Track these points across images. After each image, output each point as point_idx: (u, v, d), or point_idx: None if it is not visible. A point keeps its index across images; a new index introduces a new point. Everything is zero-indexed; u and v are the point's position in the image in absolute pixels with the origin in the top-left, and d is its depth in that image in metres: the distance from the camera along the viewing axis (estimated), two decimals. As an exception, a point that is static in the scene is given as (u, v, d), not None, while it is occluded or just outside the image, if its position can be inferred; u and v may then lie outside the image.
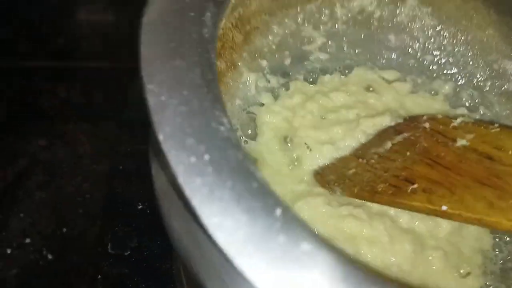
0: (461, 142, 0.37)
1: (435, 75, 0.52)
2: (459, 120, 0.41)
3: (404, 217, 0.41)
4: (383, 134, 0.43)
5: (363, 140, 0.44)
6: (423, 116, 0.44)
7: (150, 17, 0.27)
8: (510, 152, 0.33)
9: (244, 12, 0.46)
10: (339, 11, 0.51)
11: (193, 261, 0.25)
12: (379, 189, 0.37)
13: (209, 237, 0.20)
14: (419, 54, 0.52)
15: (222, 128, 0.23)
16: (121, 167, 0.56)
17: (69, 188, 0.55)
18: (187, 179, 0.21)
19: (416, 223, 0.41)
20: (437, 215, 0.35)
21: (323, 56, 0.52)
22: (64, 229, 0.51)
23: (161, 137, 0.22)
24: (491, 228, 0.33)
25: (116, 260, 0.49)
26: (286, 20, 0.50)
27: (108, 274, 0.45)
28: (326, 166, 0.43)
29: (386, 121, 0.45)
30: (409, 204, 0.35)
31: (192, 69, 0.25)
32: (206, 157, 0.22)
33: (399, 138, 0.41)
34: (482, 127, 0.38)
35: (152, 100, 0.23)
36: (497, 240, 0.44)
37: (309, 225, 0.21)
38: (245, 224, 0.20)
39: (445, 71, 0.51)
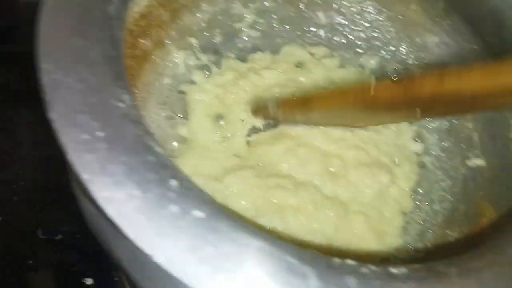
0: None
1: (362, 50, 0.54)
2: None
3: (328, 186, 0.43)
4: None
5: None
6: None
7: (51, -5, 0.27)
8: None
9: (170, -11, 0.46)
10: (268, -12, 0.52)
11: (101, 236, 0.26)
12: None
13: (100, 210, 0.21)
14: (346, 30, 0.54)
15: (121, 104, 0.24)
16: (59, 154, 0.55)
17: (6, 175, 0.54)
18: (77, 156, 0.21)
19: (338, 191, 0.43)
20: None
21: (254, 33, 0.53)
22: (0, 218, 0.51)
23: (53, 115, 0.22)
24: None
25: (48, 244, 0.49)
26: (215, -2, 0.50)
27: (40, 259, 0.45)
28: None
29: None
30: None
31: (92, 47, 0.25)
32: (100, 133, 0.22)
33: None
34: None
35: (45, 79, 0.23)
36: (417, 202, 0.47)
37: (205, 194, 0.22)
38: (137, 196, 0.21)
39: (371, 46, 0.53)
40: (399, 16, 0.52)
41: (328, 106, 0.41)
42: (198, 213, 0.21)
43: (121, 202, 0.21)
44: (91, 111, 0.23)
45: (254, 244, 0.21)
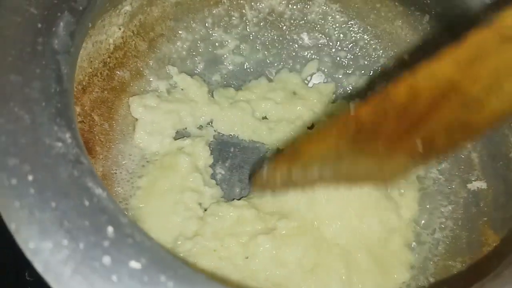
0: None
1: (350, 71, 0.52)
2: None
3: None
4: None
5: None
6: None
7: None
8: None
9: (145, 19, 0.45)
10: (248, 13, 0.50)
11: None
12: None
13: (31, 262, 0.19)
14: (333, 50, 0.52)
15: (59, 144, 0.22)
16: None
17: None
18: (5, 203, 0.19)
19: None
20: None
21: (237, 59, 0.51)
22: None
23: (-20, 160, 0.20)
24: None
25: (34, 286, 0.47)
26: (194, 25, 0.49)
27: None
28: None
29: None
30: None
31: (29, 83, 0.23)
32: (30, 177, 0.20)
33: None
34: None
35: (-26, 120, 0.21)
36: (418, 232, 0.44)
37: (146, 241, 0.20)
38: (66, 246, 0.19)
39: (359, 65, 0.51)
40: (385, 33, 0.50)
41: (318, 147, 0.38)
42: (135, 264, 0.19)
43: (49, 253, 0.19)
44: (22, 153, 0.21)
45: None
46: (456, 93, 0.29)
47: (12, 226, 0.19)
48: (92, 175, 0.22)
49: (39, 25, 0.26)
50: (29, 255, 0.19)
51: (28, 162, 0.21)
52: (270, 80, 0.51)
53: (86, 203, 0.20)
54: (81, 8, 0.28)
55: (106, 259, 0.19)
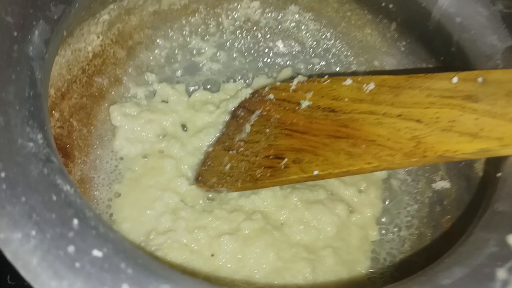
0: (305, 104, 0.39)
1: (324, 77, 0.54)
2: (295, 82, 0.42)
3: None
4: (237, 118, 0.44)
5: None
6: (264, 88, 0.45)
7: (-29, 39, 0.27)
8: (346, 100, 0.35)
9: (124, 28, 0.47)
10: (225, 21, 0.53)
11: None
12: (258, 175, 0.38)
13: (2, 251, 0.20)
14: (307, 57, 0.54)
15: (30, 144, 0.24)
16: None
17: None
18: (-23, 198, 0.21)
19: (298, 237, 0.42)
20: (313, 180, 0.36)
21: (215, 66, 0.53)
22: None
23: (-46, 158, 0.22)
24: (359, 173, 0.34)
25: None
26: (172, 33, 0.51)
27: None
28: (203, 170, 0.43)
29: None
30: (288, 179, 0.37)
31: (4, 87, 0.25)
32: (2, 174, 0.22)
33: (254, 117, 0.43)
34: (315, 82, 0.39)
35: (-50, 122, 0.23)
36: (384, 231, 0.46)
37: (109, 232, 0.22)
38: (34, 237, 0.20)
39: (331, 72, 0.53)
40: (355, 40, 0.52)
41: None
42: (97, 253, 0.21)
43: (18, 243, 0.20)
44: (-5, 152, 0.22)
45: (154, 285, 0.20)
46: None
47: (-17, 219, 0.21)
48: (62, 173, 0.23)
49: (15, 33, 0.28)
50: (0, 245, 0.20)
51: (1, 160, 0.22)
52: (248, 85, 0.53)
53: (54, 198, 0.22)
54: (55, 17, 0.30)
55: (71, 248, 0.20)
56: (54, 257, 0.20)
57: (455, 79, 0.29)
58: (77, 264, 0.20)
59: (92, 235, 0.21)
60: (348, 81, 0.35)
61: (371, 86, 0.33)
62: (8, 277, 0.49)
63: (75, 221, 0.21)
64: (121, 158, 0.45)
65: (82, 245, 0.21)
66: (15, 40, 0.28)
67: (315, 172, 0.34)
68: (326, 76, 0.39)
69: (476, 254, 0.25)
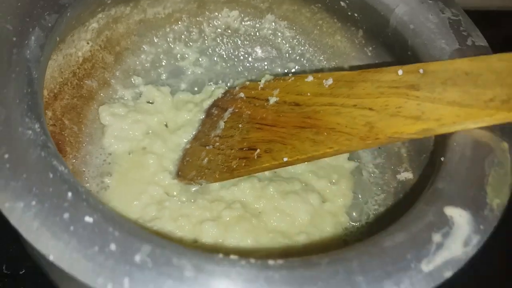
0: (273, 100, 0.43)
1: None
2: (262, 81, 0.47)
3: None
4: (211, 116, 0.48)
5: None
6: (235, 87, 0.50)
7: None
8: (308, 94, 0.39)
9: (111, 35, 0.51)
10: (206, 29, 0.57)
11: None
12: (235, 166, 0.42)
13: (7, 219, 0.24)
14: (283, 62, 0.58)
15: (29, 132, 0.28)
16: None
17: None
18: (-15, 175, 0.25)
19: (275, 223, 0.46)
20: (284, 166, 0.40)
21: (198, 70, 0.57)
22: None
23: (-35, 143, 0.25)
24: (323, 157, 0.37)
25: (11, 279, 0.50)
26: (156, 40, 0.55)
27: (5, 291, 0.47)
28: (182, 166, 0.47)
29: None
30: (261, 167, 0.40)
31: (6, 85, 0.29)
32: (6, 156, 0.26)
33: (227, 114, 0.47)
34: (281, 81, 0.44)
35: (-39, 113, 0.27)
36: (354, 217, 0.50)
37: (97, 203, 0.26)
38: (35, 206, 0.24)
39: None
40: (327, 46, 0.56)
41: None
42: (88, 219, 0.24)
43: (21, 211, 0.24)
44: (0, 138, 0.26)
45: (137, 245, 0.24)
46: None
47: (-9, 193, 0.24)
48: (56, 156, 0.27)
49: (14, 39, 0.32)
50: (5, 213, 0.24)
51: (5, 145, 0.26)
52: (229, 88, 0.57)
53: (51, 175, 0.26)
54: (49, 25, 0.34)
55: (66, 215, 0.24)
56: (51, 222, 0.24)
57: (400, 72, 0.33)
58: (71, 228, 0.24)
59: (83, 205, 0.25)
60: (310, 78, 0.40)
61: (330, 81, 0.38)
62: (4, 267, 0.52)
63: (69, 194, 0.25)
64: (110, 154, 0.49)
65: (75, 213, 0.24)
66: (14, 45, 0.32)
67: (285, 159, 0.38)
68: (290, 75, 0.44)
69: (416, 222, 0.30)
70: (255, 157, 0.40)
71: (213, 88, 0.56)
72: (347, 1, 0.49)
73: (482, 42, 0.41)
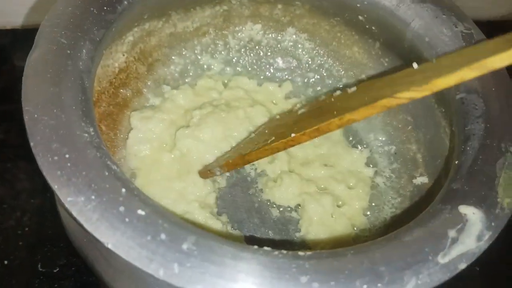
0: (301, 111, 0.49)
1: (318, 89, 0.61)
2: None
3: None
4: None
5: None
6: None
7: (35, 55, 0.35)
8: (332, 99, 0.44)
9: (145, 47, 0.55)
10: (231, 41, 0.60)
11: (76, 238, 0.32)
12: (245, 153, 0.46)
13: (68, 211, 0.27)
14: (303, 72, 0.62)
15: (85, 135, 0.31)
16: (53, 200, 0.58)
17: (9, 222, 0.58)
18: (50, 172, 0.28)
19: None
20: (291, 145, 0.42)
21: (223, 80, 0.61)
22: (6, 261, 0.55)
23: (32, 144, 0.29)
24: (329, 130, 0.39)
25: (46, 277, 0.53)
26: (185, 52, 0.59)
27: (40, 288, 0.50)
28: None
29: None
30: (270, 147, 0.43)
31: (65, 93, 0.32)
32: (67, 155, 0.29)
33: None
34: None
35: (27, 118, 0.30)
36: (371, 220, 0.53)
37: (148, 199, 0.29)
38: (94, 200, 0.28)
39: (324, 84, 0.61)
40: (345, 57, 0.59)
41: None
42: (141, 212, 0.28)
43: (82, 204, 0.27)
44: (61, 140, 0.30)
45: (183, 235, 0.27)
46: None
47: (54, 187, 0.28)
48: (110, 157, 0.31)
49: (68, 51, 0.35)
50: (68, 206, 0.27)
51: (66, 146, 0.29)
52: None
53: (106, 173, 0.29)
54: (98, 39, 0.38)
55: (121, 208, 0.27)
56: (109, 214, 0.27)
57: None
58: (127, 219, 0.27)
59: (136, 200, 0.28)
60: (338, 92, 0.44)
61: (353, 89, 0.41)
62: (39, 265, 0.55)
63: (123, 190, 0.28)
64: (135, 155, 0.52)
65: (129, 206, 0.28)
66: (69, 57, 0.35)
67: (292, 135, 0.40)
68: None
69: (433, 219, 0.32)
70: (268, 142, 0.43)
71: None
72: (365, 15, 0.53)
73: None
